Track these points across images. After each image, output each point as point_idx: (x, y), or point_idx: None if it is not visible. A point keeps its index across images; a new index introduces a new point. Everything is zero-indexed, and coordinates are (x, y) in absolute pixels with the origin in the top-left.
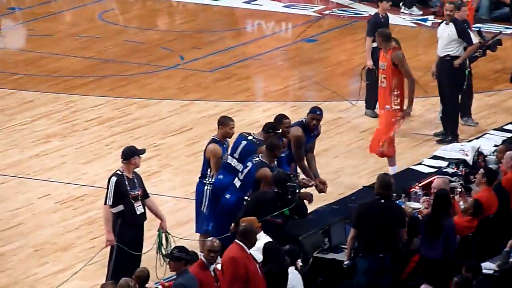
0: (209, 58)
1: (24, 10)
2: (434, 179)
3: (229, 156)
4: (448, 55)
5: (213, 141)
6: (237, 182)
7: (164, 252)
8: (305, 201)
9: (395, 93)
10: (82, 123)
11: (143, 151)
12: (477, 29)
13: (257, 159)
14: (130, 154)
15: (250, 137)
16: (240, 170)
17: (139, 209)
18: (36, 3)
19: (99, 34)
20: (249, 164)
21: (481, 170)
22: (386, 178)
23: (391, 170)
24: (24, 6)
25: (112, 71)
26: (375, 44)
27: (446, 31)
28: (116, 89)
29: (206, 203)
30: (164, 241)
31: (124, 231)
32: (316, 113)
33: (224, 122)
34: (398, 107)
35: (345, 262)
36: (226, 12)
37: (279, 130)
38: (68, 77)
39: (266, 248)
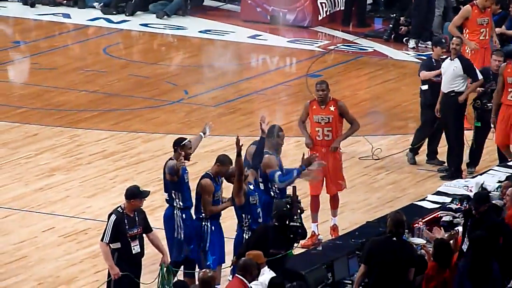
0: (213, 93)
1: (29, 44)
2: (437, 215)
3: None
4: (453, 91)
5: (206, 176)
6: None
7: (166, 287)
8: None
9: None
10: (86, 157)
11: (146, 194)
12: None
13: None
14: (131, 196)
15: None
16: None
17: (136, 249)
18: (41, 37)
19: (103, 68)
20: None
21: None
22: (398, 216)
23: (334, 221)
24: (28, 40)
25: (117, 105)
26: (425, 87)
27: (451, 67)
28: (121, 123)
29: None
30: (166, 276)
31: (120, 266)
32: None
33: (223, 161)
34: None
35: None
36: (230, 47)
37: (181, 142)
38: (73, 111)
39: (272, 283)
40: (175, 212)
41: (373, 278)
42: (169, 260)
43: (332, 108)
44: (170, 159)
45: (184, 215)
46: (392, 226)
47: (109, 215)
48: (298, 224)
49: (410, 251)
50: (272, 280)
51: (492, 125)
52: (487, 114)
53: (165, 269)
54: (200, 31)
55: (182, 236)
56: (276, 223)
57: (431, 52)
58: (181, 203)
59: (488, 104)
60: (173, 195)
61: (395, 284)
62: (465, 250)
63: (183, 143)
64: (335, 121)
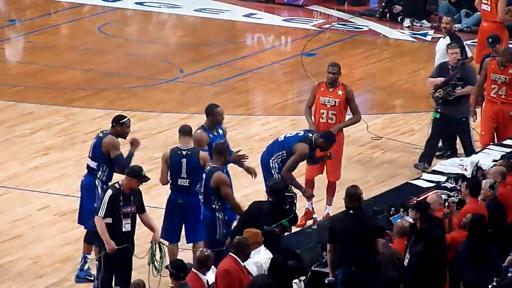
0: (208, 72)
1: (24, 22)
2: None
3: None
4: None
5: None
6: (201, 197)
7: (156, 264)
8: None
9: None
10: (81, 135)
11: (145, 179)
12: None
13: (209, 167)
14: (131, 174)
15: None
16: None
17: (126, 227)
18: (36, 15)
19: (99, 47)
20: (204, 176)
21: (464, 182)
22: (352, 190)
23: (328, 210)
24: (24, 18)
25: (112, 84)
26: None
27: (443, 45)
28: (116, 101)
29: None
30: (158, 252)
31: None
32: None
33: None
34: None
35: (327, 278)
36: (226, 26)
37: (121, 120)
38: (68, 90)
39: (274, 263)
40: (96, 182)
41: (339, 254)
42: (160, 237)
43: (340, 92)
44: (105, 132)
45: (104, 186)
46: (347, 201)
47: (105, 190)
48: (292, 193)
49: (370, 222)
50: (274, 259)
51: (473, 117)
52: (448, 106)
53: (155, 246)
54: (195, 10)
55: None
56: (270, 199)
57: (427, 31)
58: (104, 177)
59: (451, 93)
60: (100, 168)
61: (358, 257)
62: (406, 264)
63: (122, 121)
64: (341, 105)
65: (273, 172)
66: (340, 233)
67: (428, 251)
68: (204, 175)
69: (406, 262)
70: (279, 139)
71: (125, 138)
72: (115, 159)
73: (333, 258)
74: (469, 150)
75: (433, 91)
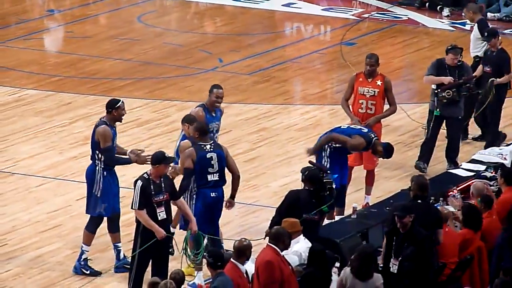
0: (247, 61)
1: (63, 12)
2: (472, 182)
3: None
4: (477, 56)
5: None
6: (214, 176)
7: (190, 254)
8: None
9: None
10: (120, 125)
11: (171, 160)
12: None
13: (211, 144)
14: (156, 161)
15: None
16: (211, 165)
17: (161, 215)
18: (75, 5)
19: (138, 37)
20: (213, 155)
21: (499, 171)
22: (422, 179)
23: (368, 199)
24: (63, 8)
25: (151, 74)
26: None
27: (473, 32)
28: (155, 91)
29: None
30: (193, 243)
31: (147, 233)
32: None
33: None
34: None
35: (381, 265)
36: (265, 15)
37: (115, 104)
38: (107, 79)
39: (313, 251)
40: (97, 168)
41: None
42: (196, 227)
43: (379, 83)
44: (102, 120)
45: (105, 172)
46: (417, 189)
47: (135, 182)
48: (330, 180)
49: (435, 213)
50: (313, 248)
51: None
52: (453, 107)
53: (190, 236)
54: None
55: (99, 193)
56: (306, 187)
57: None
58: (102, 164)
59: (463, 95)
60: (96, 155)
61: None
62: (395, 271)
63: (117, 105)
64: (380, 95)
65: (323, 154)
66: None
67: (421, 252)
68: (215, 154)
69: (394, 269)
70: (342, 127)
71: (121, 121)
72: (103, 150)
73: (390, 247)
74: (454, 148)
75: (438, 90)
